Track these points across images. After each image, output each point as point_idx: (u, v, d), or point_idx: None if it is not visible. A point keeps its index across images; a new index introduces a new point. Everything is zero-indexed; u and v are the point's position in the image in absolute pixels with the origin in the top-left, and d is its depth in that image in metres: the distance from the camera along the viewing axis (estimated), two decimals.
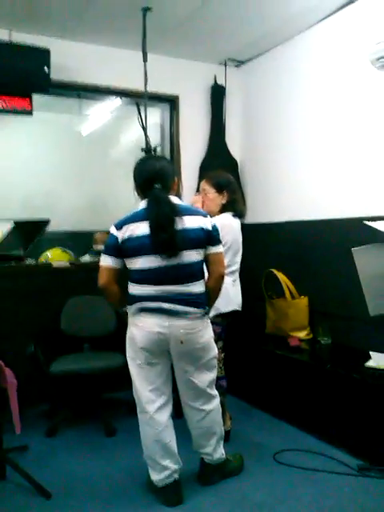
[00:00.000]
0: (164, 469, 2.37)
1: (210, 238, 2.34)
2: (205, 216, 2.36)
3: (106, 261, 2.33)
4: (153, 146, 3.46)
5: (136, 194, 2.40)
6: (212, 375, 2.45)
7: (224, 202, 2.92)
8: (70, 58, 3.74)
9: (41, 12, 3.35)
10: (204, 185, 2.97)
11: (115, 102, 4.31)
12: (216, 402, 2.50)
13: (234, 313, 2.91)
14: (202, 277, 2.38)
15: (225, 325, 2.89)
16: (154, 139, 4.08)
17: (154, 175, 2.30)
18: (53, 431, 3.21)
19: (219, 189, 2.92)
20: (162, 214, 2.21)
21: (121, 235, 2.27)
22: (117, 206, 3.92)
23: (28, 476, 2.53)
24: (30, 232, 3.29)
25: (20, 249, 3.44)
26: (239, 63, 4.45)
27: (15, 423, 3.20)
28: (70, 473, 2.72)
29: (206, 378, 2.42)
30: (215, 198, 2.92)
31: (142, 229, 2.24)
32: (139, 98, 3.56)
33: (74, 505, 2.41)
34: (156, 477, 2.39)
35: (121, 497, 2.47)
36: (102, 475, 2.69)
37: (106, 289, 2.37)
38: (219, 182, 2.94)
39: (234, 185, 3.02)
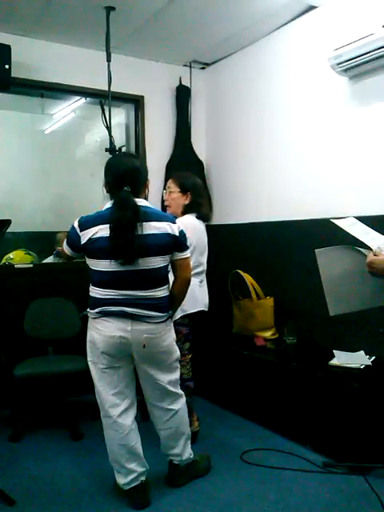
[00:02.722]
0: (130, 472, 2.35)
1: (177, 243, 2.31)
2: (173, 222, 2.32)
3: (66, 249, 2.38)
4: (118, 146, 3.43)
5: (104, 190, 2.35)
6: (175, 375, 2.45)
7: (187, 202, 2.92)
8: (33, 56, 3.68)
9: (1, 8, 3.27)
10: (170, 183, 2.97)
11: (79, 101, 4.25)
12: (182, 402, 2.49)
13: (200, 313, 2.91)
14: (167, 282, 2.36)
15: (191, 326, 2.89)
16: (119, 139, 4.06)
17: (125, 176, 2.26)
18: (17, 436, 3.14)
19: (183, 189, 2.92)
20: (123, 219, 2.17)
21: (83, 236, 2.24)
22: (81, 206, 3.85)
23: None
24: None
25: None
26: (204, 65, 4.47)
27: None
28: (35, 478, 2.67)
29: (170, 378, 2.41)
30: (178, 198, 2.92)
31: (104, 231, 2.20)
32: (103, 98, 3.52)
33: (38, 511, 2.35)
34: (122, 480, 2.37)
35: (88, 501, 2.44)
36: (68, 480, 2.65)
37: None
38: (184, 182, 2.94)
39: (199, 188, 3.02)
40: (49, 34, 3.68)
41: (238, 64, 4.16)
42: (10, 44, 3.32)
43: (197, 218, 2.92)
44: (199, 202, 2.95)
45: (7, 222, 2.88)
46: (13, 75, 3.34)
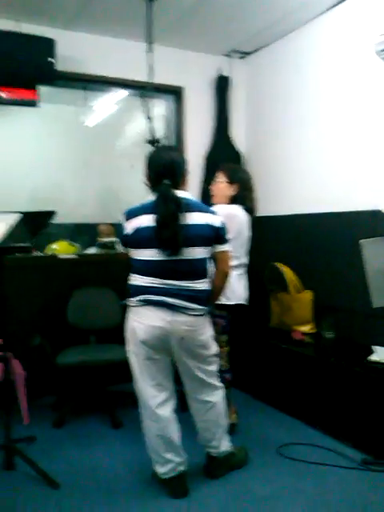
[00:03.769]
0: (168, 462, 2.39)
1: (218, 235, 2.34)
2: (214, 214, 2.36)
3: (121, 248, 2.50)
4: (158, 137, 3.45)
5: (147, 184, 2.40)
6: (213, 367, 2.46)
7: (233, 193, 2.94)
8: (76, 49, 3.71)
9: (46, 3, 3.32)
10: (219, 173, 3.02)
11: (120, 93, 4.29)
12: (220, 394, 2.51)
13: (239, 306, 2.91)
14: (207, 275, 2.38)
15: (229, 318, 2.91)
16: (159, 131, 4.07)
17: (164, 170, 2.30)
18: (60, 422, 3.24)
19: (230, 180, 2.95)
20: (167, 212, 2.21)
21: (128, 226, 2.31)
22: (123, 198, 3.93)
23: (36, 466, 2.57)
24: (36, 224, 3.30)
25: (27, 240, 3.45)
26: (244, 55, 4.41)
27: (23, 414, 3.26)
28: (76, 464, 2.75)
29: (208, 369, 2.43)
30: (224, 188, 2.95)
31: (148, 221, 2.25)
32: (144, 90, 3.54)
33: (80, 495, 2.44)
34: (160, 469, 2.41)
35: (126, 488, 2.50)
36: (108, 466, 2.72)
37: None
38: (232, 173, 2.98)
39: (247, 182, 3.03)
40: (91, 26, 3.72)
41: (278, 52, 4.08)
42: (55, 38, 3.37)
43: (244, 209, 2.93)
44: (245, 195, 2.96)
45: (52, 213, 2.95)
46: (56, 68, 3.40)
